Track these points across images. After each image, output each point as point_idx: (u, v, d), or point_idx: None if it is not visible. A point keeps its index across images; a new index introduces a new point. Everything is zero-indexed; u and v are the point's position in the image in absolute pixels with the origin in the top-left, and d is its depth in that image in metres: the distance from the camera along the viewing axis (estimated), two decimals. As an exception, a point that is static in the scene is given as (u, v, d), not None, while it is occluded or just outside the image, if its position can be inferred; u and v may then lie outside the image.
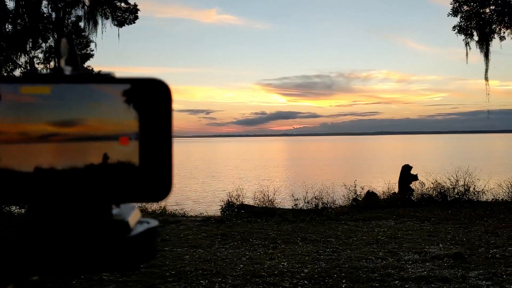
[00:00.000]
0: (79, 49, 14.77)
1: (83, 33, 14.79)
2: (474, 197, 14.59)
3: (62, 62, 0.64)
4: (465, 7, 15.02)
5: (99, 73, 0.62)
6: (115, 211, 0.61)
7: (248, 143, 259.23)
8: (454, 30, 15.06)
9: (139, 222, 0.63)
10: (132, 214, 0.62)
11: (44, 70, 14.70)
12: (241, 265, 7.34)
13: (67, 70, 0.64)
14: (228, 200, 14.91)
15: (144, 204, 14.68)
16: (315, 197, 14.56)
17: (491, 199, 14.60)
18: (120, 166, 0.58)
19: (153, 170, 0.58)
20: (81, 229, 0.58)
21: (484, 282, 6.19)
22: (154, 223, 0.65)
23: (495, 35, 15.24)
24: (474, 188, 14.88)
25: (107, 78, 0.60)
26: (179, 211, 15.17)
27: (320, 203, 14.23)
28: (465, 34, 14.86)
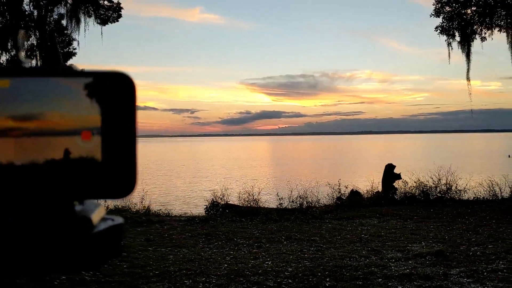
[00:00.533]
0: (61, 47, 14.58)
1: (65, 31, 14.61)
2: (456, 196, 14.78)
3: (21, 55, 0.61)
4: (447, 8, 15.19)
5: (60, 66, 0.60)
6: (78, 208, 0.59)
7: (233, 142, 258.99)
8: (437, 31, 15.23)
9: (104, 220, 0.61)
10: (96, 211, 0.60)
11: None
12: (225, 265, 7.31)
13: (27, 63, 0.61)
14: (212, 199, 14.87)
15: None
16: (299, 196, 14.59)
17: (472, 198, 14.80)
18: (82, 162, 0.55)
19: (116, 166, 0.55)
20: (41, 227, 0.56)
21: (465, 279, 6.26)
22: (119, 220, 0.63)
23: (477, 36, 15.44)
24: (456, 187, 15.07)
25: (68, 72, 0.57)
26: (164, 211, 15.07)
27: (305, 202, 14.27)
28: (447, 35, 15.02)
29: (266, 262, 7.39)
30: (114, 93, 0.56)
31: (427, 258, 7.40)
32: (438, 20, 15.45)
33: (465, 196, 14.94)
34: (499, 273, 6.45)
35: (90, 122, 0.55)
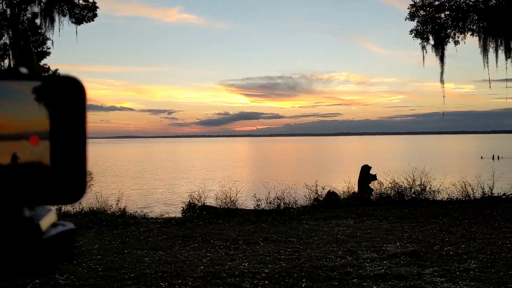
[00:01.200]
0: (35, 46, 14.30)
1: (39, 31, 14.32)
2: (430, 197, 15.01)
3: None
4: (422, 12, 15.43)
5: (6, 69, 0.58)
6: (27, 213, 0.57)
7: (212, 143, 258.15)
8: (411, 34, 15.47)
9: (54, 225, 0.59)
10: (46, 217, 0.58)
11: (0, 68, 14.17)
12: (202, 267, 7.27)
13: None
14: (189, 201, 14.77)
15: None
16: (277, 197, 14.62)
17: (446, 198, 15.06)
18: (31, 167, 0.53)
19: (65, 171, 0.54)
20: None
21: (438, 278, 6.36)
22: (69, 226, 0.61)
23: (450, 40, 15.74)
24: (430, 188, 15.31)
25: (15, 74, 0.55)
26: (140, 213, 14.91)
27: (282, 204, 14.30)
28: (422, 38, 15.27)
29: (243, 264, 7.37)
30: (63, 97, 0.55)
31: (401, 258, 7.50)
32: (413, 24, 15.71)
33: (439, 197, 15.19)
34: (471, 272, 6.58)
35: (38, 126, 0.53)
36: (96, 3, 14.28)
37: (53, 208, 0.62)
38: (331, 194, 15.76)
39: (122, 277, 6.77)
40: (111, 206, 15.09)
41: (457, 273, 6.57)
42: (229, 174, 44.88)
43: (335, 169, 45.58)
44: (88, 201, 15.61)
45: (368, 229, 10.22)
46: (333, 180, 23.55)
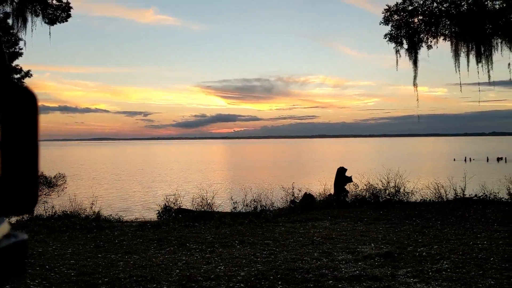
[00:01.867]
0: (7, 47, 13.96)
1: (11, 31, 13.99)
2: (404, 198, 15.22)
3: None
4: (396, 17, 15.68)
5: None
6: None
7: (188, 145, 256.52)
8: (386, 38, 15.69)
9: (6, 236, 0.56)
10: None
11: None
12: (177, 270, 7.19)
13: None
14: (165, 204, 14.64)
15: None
16: (254, 200, 14.62)
17: (419, 200, 15.28)
18: None
19: (15, 181, 0.51)
20: None
21: (411, 279, 6.44)
22: (22, 236, 0.58)
23: (423, 44, 16.02)
24: (404, 190, 15.53)
25: None
26: (115, 216, 14.71)
27: (259, 206, 14.31)
28: (396, 42, 15.51)
29: (219, 267, 7.33)
30: (14, 106, 0.52)
31: (376, 259, 7.57)
32: (387, 28, 15.95)
33: (413, 198, 15.42)
34: (443, 272, 6.68)
35: None
36: (70, 3, 14.05)
37: (6, 219, 0.59)
38: (307, 196, 15.83)
39: (95, 281, 6.65)
40: (85, 209, 14.84)
41: (430, 273, 6.67)
42: (206, 176, 44.69)
43: (312, 171, 45.87)
44: (61, 204, 15.34)
45: (343, 231, 10.30)
46: (309, 182, 23.67)
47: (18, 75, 14.39)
